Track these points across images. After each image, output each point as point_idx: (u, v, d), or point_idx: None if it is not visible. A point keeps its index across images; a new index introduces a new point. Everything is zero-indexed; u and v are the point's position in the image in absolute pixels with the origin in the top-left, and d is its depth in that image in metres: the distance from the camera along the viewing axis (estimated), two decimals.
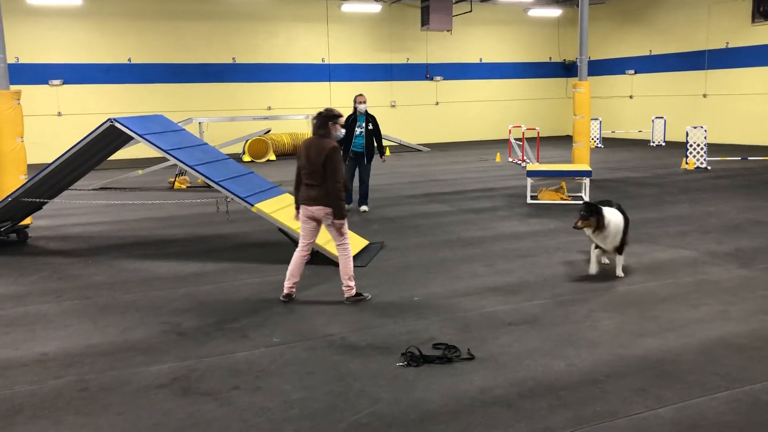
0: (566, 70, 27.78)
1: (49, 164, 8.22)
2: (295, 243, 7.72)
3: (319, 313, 5.99)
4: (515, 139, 18.64)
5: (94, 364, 4.92)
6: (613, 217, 6.77)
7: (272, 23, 23.18)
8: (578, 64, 14.16)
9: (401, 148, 22.63)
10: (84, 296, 6.64)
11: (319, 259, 7.57)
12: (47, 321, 5.91)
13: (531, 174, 11.68)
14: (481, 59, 26.44)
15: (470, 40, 26.04)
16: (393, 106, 25.18)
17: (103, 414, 4.14)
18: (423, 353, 4.87)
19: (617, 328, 5.47)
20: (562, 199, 11.53)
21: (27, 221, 9.55)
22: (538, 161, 16.69)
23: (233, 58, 22.86)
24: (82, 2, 20.31)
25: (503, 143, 22.92)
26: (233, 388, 4.48)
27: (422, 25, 23.53)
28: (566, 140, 23.50)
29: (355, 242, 8.26)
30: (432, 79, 25.72)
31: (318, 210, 6.11)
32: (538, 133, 17.85)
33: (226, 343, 5.31)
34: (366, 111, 10.83)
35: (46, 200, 8.89)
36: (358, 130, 10.80)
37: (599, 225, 6.68)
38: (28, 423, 4.03)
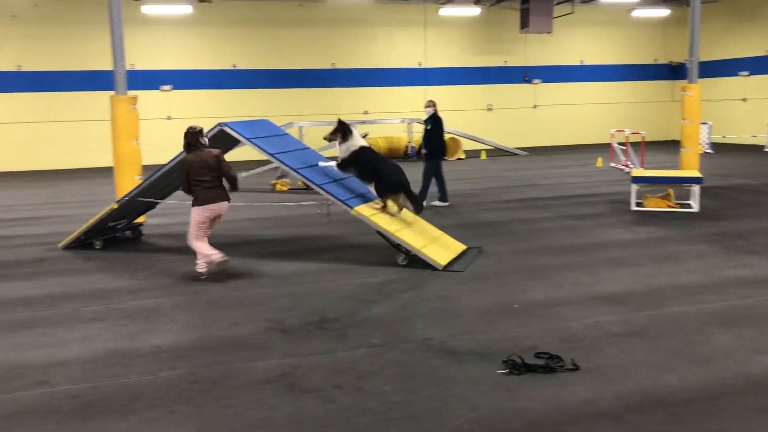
0: (673, 72, 26.58)
1: (162, 166, 8.65)
2: (394, 246, 7.80)
3: (418, 316, 6.00)
4: (618, 143, 18.02)
5: (203, 358, 5.14)
6: None
7: (371, 28, 23.49)
8: (687, 66, 13.52)
9: (497, 152, 22.36)
10: (193, 292, 6.96)
11: (416, 263, 7.59)
12: (160, 314, 6.23)
13: (636, 180, 11.25)
14: (582, 61, 25.74)
15: (571, 42, 25.40)
16: (489, 109, 24.93)
17: (214, 406, 4.31)
18: (525, 361, 4.78)
19: (733, 343, 5.17)
20: (669, 206, 11.03)
21: (140, 219, 10.11)
22: (642, 167, 16.06)
23: (333, 64, 23.33)
24: (192, 11, 21.32)
25: (605, 148, 22.16)
26: (335, 386, 4.55)
27: (521, 28, 23.16)
28: (672, 145, 22.47)
29: (453, 246, 8.24)
30: (530, 82, 25.28)
31: (225, 204, 7.48)
32: (643, 137, 17.16)
33: (328, 342, 5.41)
34: (432, 114, 11.83)
35: (159, 200, 9.37)
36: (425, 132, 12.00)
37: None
38: (146, 410, 4.26)
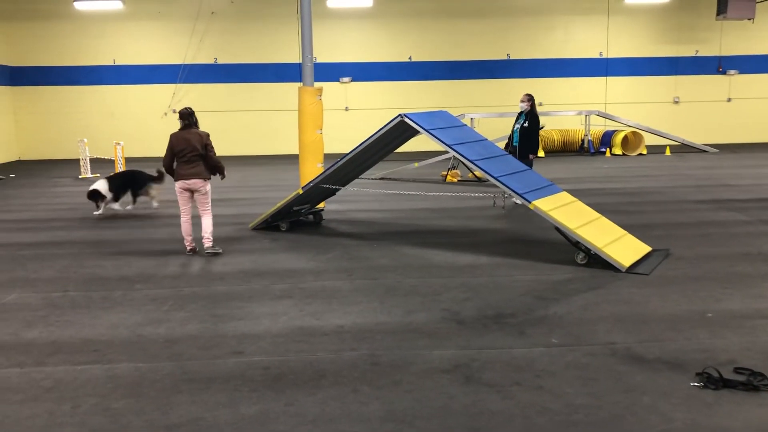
0: None
1: (345, 155, 8.99)
2: (572, 243, 7.52)
3: (599, 319, 5.73)
4: None
5: (382, 341, 5.28)
6: None
7: (549, 18, 22.80)
8: None
9: (684, 148, 20.82)
10: (371, 277, 7.17)
11: (597, 263, 7.27)
12: (341, 296, 6.49)
13: None
14: None
15: None
16: (676, 102, 23.25)
17: (394, 389, 4.41)
18: (723, 376, 4.39)
19: None
20: None
21: (321, 205, 10.60)
22: None
23: (507, 54, 22.97)
24: (372, 4, 21.95)
25: None
26: (514, 383, 4.48)
27: (717, 14, 21.32)
28: None
29: (637, 247, 7.79)
30: (725, 73, 23.22)
31: (196, 182, 8.13)
32: None
33: (504, 338, 5.34)
34: (529, 110, 11.28)
35: (339, 187, 9.77)
36: (516, 126, 11.41)
37: None
38: (331, 387, 4.46)
